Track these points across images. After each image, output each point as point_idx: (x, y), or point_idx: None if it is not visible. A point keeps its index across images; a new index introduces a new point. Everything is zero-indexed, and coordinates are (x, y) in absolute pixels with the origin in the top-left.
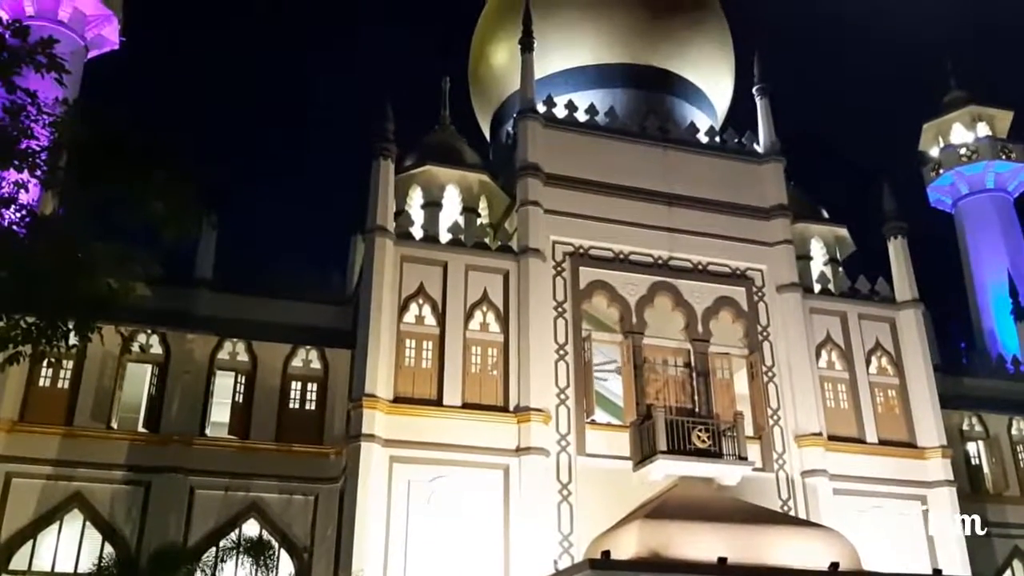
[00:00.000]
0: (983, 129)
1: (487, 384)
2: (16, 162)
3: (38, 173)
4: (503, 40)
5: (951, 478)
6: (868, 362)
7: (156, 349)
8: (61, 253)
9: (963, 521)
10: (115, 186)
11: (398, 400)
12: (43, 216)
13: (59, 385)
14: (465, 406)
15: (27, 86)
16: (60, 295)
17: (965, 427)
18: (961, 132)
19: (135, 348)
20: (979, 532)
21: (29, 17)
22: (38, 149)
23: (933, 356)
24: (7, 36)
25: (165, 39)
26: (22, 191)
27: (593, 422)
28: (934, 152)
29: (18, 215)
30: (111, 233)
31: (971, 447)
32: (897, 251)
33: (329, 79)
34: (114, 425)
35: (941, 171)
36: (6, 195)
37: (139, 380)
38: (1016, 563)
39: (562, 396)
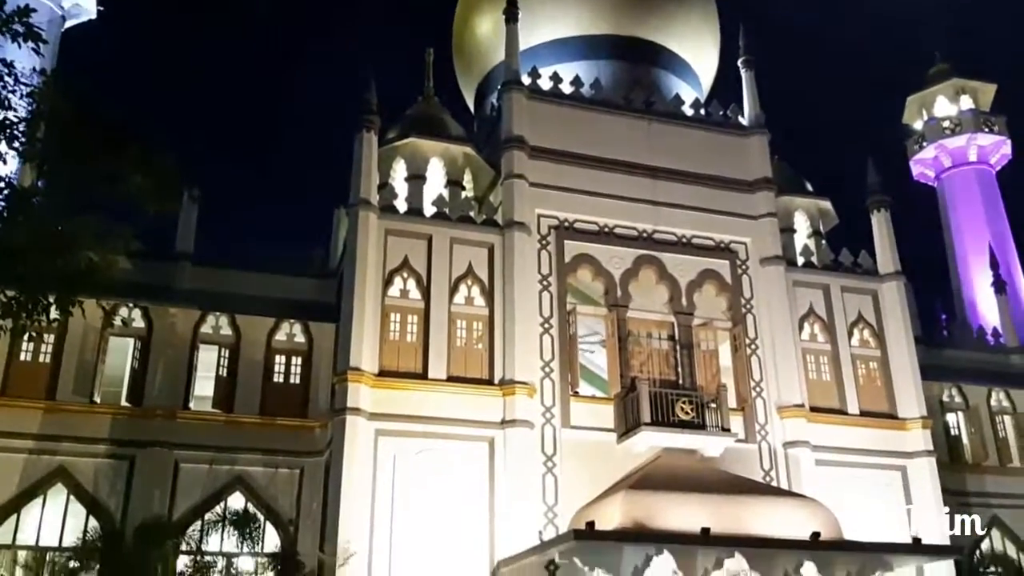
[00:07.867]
0: (966, 102)
1: (472, 357)
2: None
3: (16, 145)
4: (487, 11)
5: (931, 448)
6: (850, 334)
7: (139, 323)
8: (41, 227)
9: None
10: (92, 158)
11: (383, 374)
12: (22, 189)
13: (41, 359)
14: (450, 379)
15: (3, 55)
16: (40, 269)
17: (945, 398)
18: (945, 105)
19: (117, 322)
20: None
21: None
22: (16, 120)
23: (915, 328)
24: None
25: (144, 8)
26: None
27: (577, 394)
28: (918, 125)
29: None
30: (92, 207)
31: (951, 418)
32: (880, 224)
33: (311, 51)
34: (97, 399)
35: (924, 144)
36: None
37: (122, 354)
38: (994, 532)
39: (547, 369)
